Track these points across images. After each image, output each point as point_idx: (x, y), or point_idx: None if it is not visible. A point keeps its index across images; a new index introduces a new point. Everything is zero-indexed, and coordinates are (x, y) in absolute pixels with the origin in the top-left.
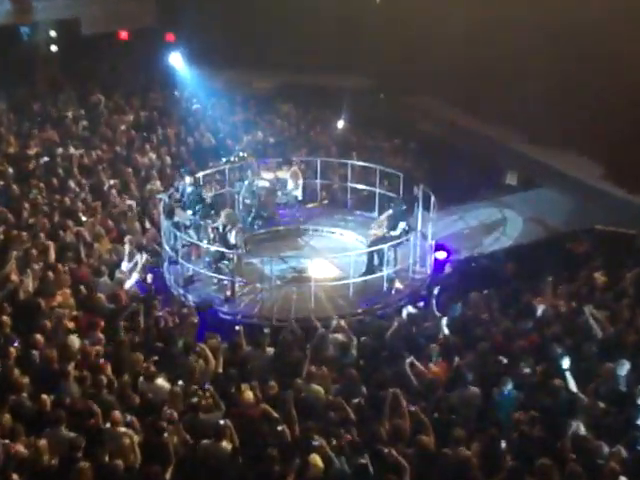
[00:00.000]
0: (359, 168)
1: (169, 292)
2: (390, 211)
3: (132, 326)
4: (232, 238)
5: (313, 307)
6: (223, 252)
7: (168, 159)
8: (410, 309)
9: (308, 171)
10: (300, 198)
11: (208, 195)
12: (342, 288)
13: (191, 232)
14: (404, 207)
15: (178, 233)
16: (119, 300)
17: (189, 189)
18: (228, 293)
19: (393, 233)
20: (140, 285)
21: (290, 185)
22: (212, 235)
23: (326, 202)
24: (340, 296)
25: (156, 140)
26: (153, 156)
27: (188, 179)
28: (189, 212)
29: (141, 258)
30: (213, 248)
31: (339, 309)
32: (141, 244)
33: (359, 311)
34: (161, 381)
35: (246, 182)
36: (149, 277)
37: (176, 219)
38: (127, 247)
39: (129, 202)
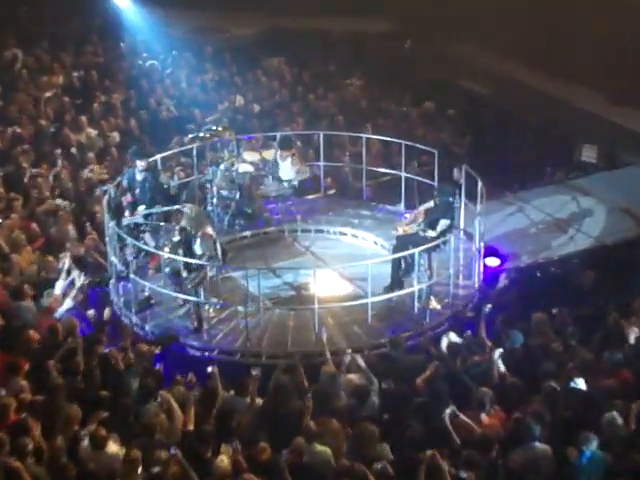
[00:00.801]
0: (378, 144)
1: (118, 321)
2: (431, 203)
3: (68, 369)
4: (197, 246)
5: (318, 338)
6: (186, 263)
7: (114, 136)
8: (452, 338)
9: (307, 149)
10: (296, 186)
11: (170, 185)
12: (357, 310)
13: (147, 237)
14: (451, 199)
15: (129, 239)
16: (51, 333)
17: (139, 176)
18: (195, 323)
19: (431, 233)
20: (78, 312)
21: (287, 173)
22: (178, 238)
23: (333, 192)
24: (355, 322)
25: (96, 110)
26: (92, 132)
27: (140, 163)
28: (142, 208)
29: (79, 275)
30: (177, 257)
31: (353, 340)
32: (78, 255)
33: (381, 342)
34: (109, 444)
35: (222, 166)
36: (107, 312)
37: (126, 220)
38: (66, 262)
39: (59, 201)
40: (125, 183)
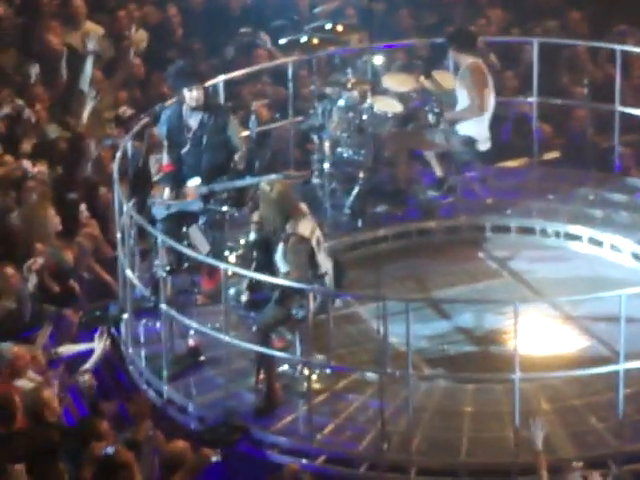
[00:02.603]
0: None
1: (134, 393)
2: None
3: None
4: (279, 256)
5: (523, 438)
6: (255, 287)
7: (138, 37)
8: None
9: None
10: (487, 147)
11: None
12: (598, 387)
13: (195, 233)
14: None
15: (161, 236)
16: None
17: (191, 120)
18: (261, 400)
19: None
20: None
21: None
22: (254, 238)
23: (555, 156)
24: (593, 409)
25: None
26: (96, 29)
27: (190, 94)
28: (195, 184)
29: (100, 337)
30: (248, 274)
31: (590, 444)
32: (59, 265)
33: None
34: None
35: (341, 101)
36: (88, 378)
37: (159, 206)
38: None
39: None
40: (163, 130)
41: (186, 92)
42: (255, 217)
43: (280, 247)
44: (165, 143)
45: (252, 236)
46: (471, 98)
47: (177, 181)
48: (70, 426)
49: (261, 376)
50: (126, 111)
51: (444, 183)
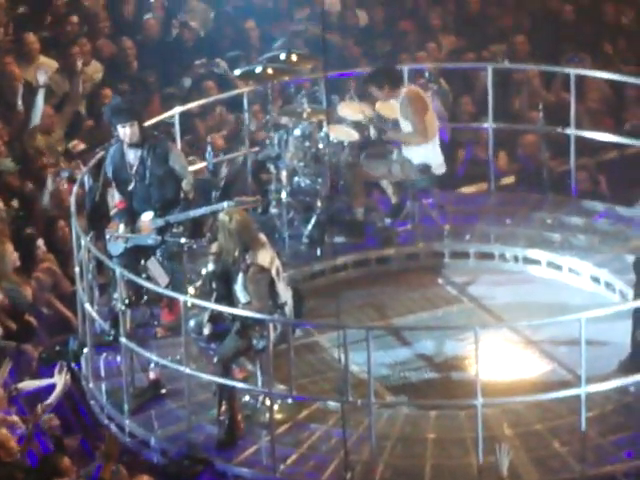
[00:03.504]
0: (601, 87)
1: (97, 429)
2: None
3: None
4: (238, 286)
5: (487, 465)
6: (215, 318)
7: (92, 71)
8: None
9: (458, 98)
10: (442, 171)
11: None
12: (560, 411)
13: (153, 265)
14: None
15: (119, 270)
16: None
17: (131, 156)
18: (223, 432)
19: None
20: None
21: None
22: (212, 269)
23: (511, 180)
24: (555, 433)
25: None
26: (50, 64)
27: (124, 131)
28: (148, 218)
29: (60, 370)
30: (207, 305)
31: (553, 468)
32: (19, 300)
33: (607, 472)
34: None
35: (297, 131)
36: (49, 419)
37: (115, 241)
38: None
39: None
40: (109, 170)
41: (120, 129)
42: (213, 248)
43: (240, 277)
44: (113, 182)
45: (211, 267)
46: (413, 125)
47: (131, 216)
48: (32, 464)
49: (223, 407)
50: (77, 145)
51: (401, 210)
